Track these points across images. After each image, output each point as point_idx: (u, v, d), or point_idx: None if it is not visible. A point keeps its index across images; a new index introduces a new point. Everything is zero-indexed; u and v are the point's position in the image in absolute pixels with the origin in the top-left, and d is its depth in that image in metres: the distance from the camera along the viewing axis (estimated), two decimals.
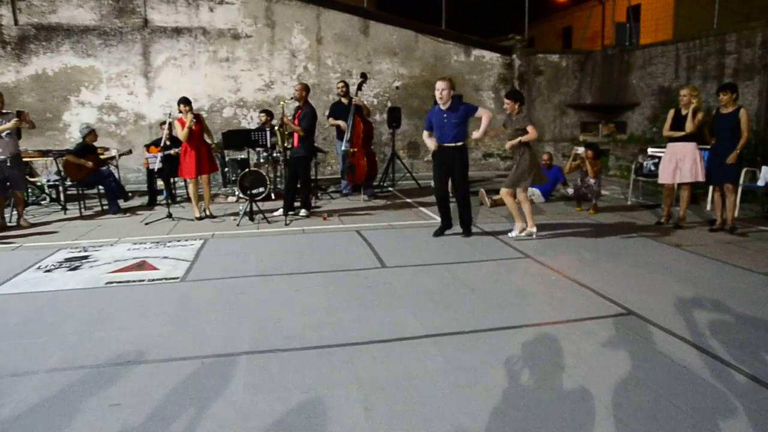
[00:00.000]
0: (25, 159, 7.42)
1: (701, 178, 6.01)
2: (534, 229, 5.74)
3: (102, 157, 7.84)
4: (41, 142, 9.65)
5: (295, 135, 7.00)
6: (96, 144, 7.79)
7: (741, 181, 6.45)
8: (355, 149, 7.95)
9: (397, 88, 11.57)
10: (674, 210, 6.54)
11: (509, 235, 5.84)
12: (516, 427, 2.31)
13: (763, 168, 6.91)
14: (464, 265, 4.79)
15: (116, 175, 8.17)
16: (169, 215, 6.93)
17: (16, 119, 6.38)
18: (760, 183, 6.90)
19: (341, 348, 3.11)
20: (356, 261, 4.97)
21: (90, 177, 7.43)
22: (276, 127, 7.68)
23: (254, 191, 7.56)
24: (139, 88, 10.36)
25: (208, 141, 7.11)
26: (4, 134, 6.37)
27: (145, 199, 8.39)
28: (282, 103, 7.42)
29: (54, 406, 2.51)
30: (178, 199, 8.46)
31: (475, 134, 5.63)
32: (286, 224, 6.58)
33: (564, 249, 5.34)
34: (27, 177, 7.81)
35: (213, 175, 7.56)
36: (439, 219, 6.11)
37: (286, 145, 7.60)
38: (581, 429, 2.29)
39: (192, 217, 6.99)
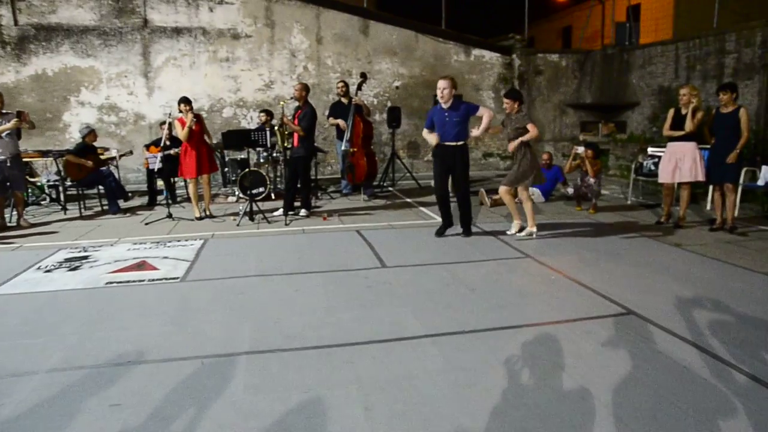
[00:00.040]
0: (25, 159, 7.42)
1: (701, 177, 6.01)
2: (534, 229, 5.74)
3: (102, 157, 7.84)
4: (41, 142, 9.66)
5: (295, 135, 7.00)
6: (96, 144, 7.80)
7: (741, 180, 6.45)
8: (355, 149, 7.95)
9: (397, 87, 11.57)
10: (674, 209, 6.54)
11: (507, 233, 5.86)
12: (516, 427, 2.31)
13: (763, 167, 6.91)
14: (464, 265, 4.79)
15: (116, 175, 8.17)
16: (169, 215, 6.93)
17: (16, 119, 6.38)
18: (760, 182, 6.89)
19: (341, 348, 3.11)
20: (356, 261, 4.97)
21: (90, 177, 7.43)
22: (276, 127, 7.67)
23: (254, 191, 7.56)
24: (139, 88, 10.36)
25: (208, 142, 7.11)
26: (4, 134, 6.37)
27: (145, 199, 8.40)
28: (282, 103, 7.42)
29: (54, 406, 2.51)
30: (179, 199, 8.46)
31: (475, 132, 5.63)
32: (286, 224, 6.58)
33: (564, 249, 5.34)
34: (27, 177, 7.82)
35: (213, 175, 7.55)
36: (439, 219, 6.11)
37: (286, 145, 7.61)
38: (581, 429, 2.29)
39: (192, 217, 6.99)
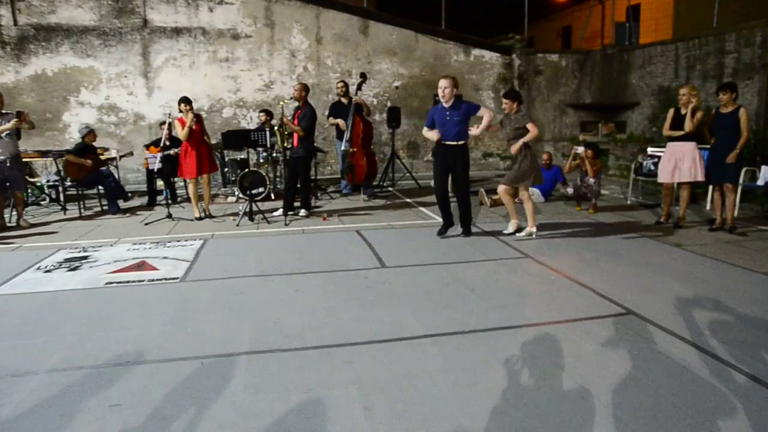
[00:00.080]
0: (24, 159, 7.42)
1: (700, 177, 6.01)
2: (534, 229, 5.74)
3: (102, 157, 7.84)
4: (41, 142, 9.65)
5: (295, 135, 6.99)
6: (96, 144, 7.80)
7: (740, 180, 6.45)
8: (355, 149, 7.95)
9: (396, 87, 11.57)
10: (674, 209, 6.54)
11: (504, 232, 5.86)
12: (516, 426, 2.31)
13: (763, 167, 6.91)
14: (464, 265, 4.79)
15: (116, 176, 8.17)
16: (169, 215, 6.93)
17: (15, 119, 6.38)
18: (760, 182, 6.90)
19: (341, 348, 3.11)
20: (356, 261, 4.97)
21: (90, 177, 7.43)
22: (276, 127, 7.67)
23: (254, 191, 7.56)
24: (138, 89, 10.36)
25: (207, 141, 7.11)
26: (3, 135, 6.37)
27: (144, 200, 8.39)
28: (281, 103, 7.42)
29: (54, 406, 2.51)
30: (179, 199, 8.45)
31: (474, 131, 5.63)
32: (286, 224, 6.58)
33: (564, 249, 5.34)
34: (27, 177, 7.81)
35: (213, 175, 7.55)
36: (438, 219, 6.11)
37: (285, 145, 7.60)
38: (581, 429, 2.29)
39: (192, 217, 6.99)
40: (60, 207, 7.82)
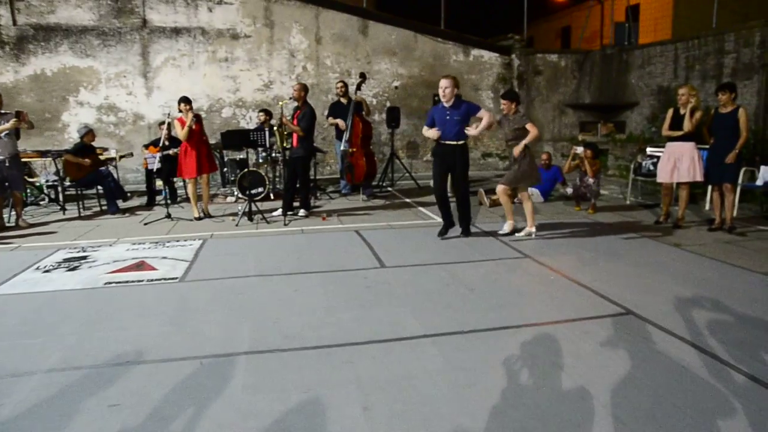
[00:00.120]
0: (23, 159, 7.42)
1: (699, 177, 6.01)
2: (533, 229, 5.75)
3: (101, 157, 7.84)
4: (40, 142, 9.64)
5: (294, 135, 7.00)
6: (95, 144, 7.79)
7: (740, 180, 6.46)
8: (354, 149, 7.94)
9: (396, 87, 11.57)
10: (673, 209, 6.54)
11: (499, 232, 5.87)
12: (515, 426, 2.31)
13: (762, 167, 6.92)
14: (463, 265, 4.79)
15: (115, 176, 8.16)
16: (168, 215, 6.92)
17: (14, 119, 6.37)
18: (759, 182, 6.90)
19: (340, 348, 3.11)
20: (355, 261, 4.97)
21: (89, 177, 7.42)
22: (275, 127, 7.67)
23: (253, 191, 7.56)
24: (137, 89, 10.35)
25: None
26: (2, 134, 6.36)
27: (143, 200, 8.39)
28: (281, 103, 7.41)
29: (53, 406, 2.51)
30: (178, 199, 8.45)
31: (471, 131, 5.61)
32: (285, 224, 6.58)
33: (563, 249, 5.34)
34: (26, 177, 7.81)
35: (212, 175, 7.55)
36: (438, 219, 6.11)
37: (285, 145, 7.60)
38: (580, 429, 2.29)
39: (191, 217, 6.98)
40: (59, 207, 7.82)
